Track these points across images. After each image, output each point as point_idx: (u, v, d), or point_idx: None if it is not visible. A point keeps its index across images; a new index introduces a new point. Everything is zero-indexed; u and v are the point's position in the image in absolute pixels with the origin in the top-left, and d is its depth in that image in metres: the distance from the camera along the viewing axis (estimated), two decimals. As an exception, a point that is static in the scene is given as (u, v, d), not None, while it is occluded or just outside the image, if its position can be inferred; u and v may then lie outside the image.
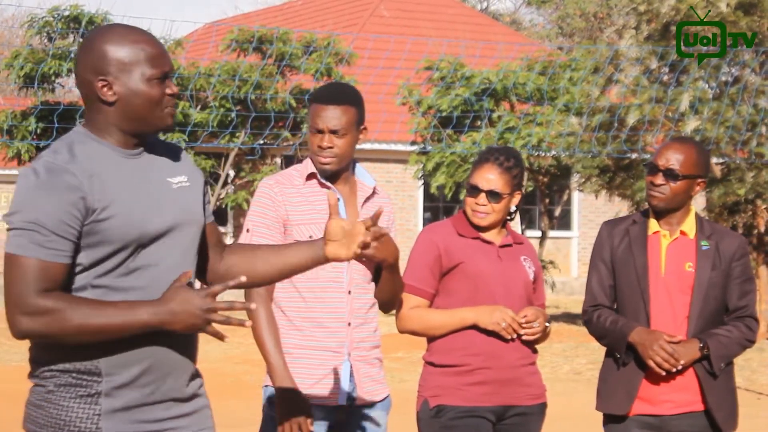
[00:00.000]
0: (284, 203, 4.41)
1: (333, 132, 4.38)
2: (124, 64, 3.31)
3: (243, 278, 3.36)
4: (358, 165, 4.54)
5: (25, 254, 3.20)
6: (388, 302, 4.58)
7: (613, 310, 4.86)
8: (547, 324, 4.77)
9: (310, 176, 4.46)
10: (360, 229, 3.46)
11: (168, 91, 3.37)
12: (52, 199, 3.21)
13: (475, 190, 4.76)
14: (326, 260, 3.49)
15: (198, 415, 3.46)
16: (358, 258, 3.48)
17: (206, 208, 3.56)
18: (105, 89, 3.32)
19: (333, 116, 4.37)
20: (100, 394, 3.28)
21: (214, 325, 3.25)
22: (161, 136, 3.62)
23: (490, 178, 4.75)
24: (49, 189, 3.22)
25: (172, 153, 3.50)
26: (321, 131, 4.37)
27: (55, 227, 3.20)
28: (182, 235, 3.39)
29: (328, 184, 4.44)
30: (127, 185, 3.31)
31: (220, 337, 3.29)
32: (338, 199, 4.43)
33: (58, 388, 3.28)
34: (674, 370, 4.66)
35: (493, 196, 4.76)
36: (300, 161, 4.61)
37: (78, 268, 3.27)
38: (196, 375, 3.47)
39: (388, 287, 4.51)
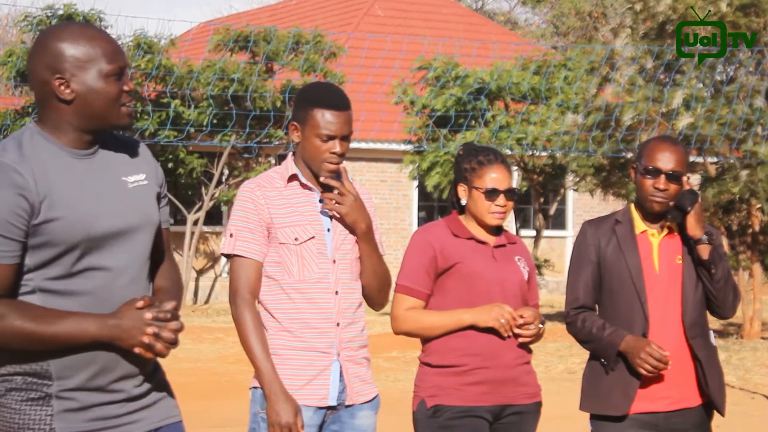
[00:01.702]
0: (267, 206, 4.40)
1: (343, 137, 4.38)
2: (80, 61, 3.29)
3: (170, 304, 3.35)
4: None
5: None
6: (373, 287, 4.53)
7: (595, 312, 4.86)
8: (540, 325, 4.77)
9: (292, 178, 4.45)
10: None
11: (125, 87, 3.34)
12: None
13: (494, 193, 4.75)
14: None
15: (157, 407, 3.44)
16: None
17: (162, 210, 3.52)
18: (62, 87, 3.29)
19: (344, 122, 4.38)
20: (51, 396, 3.27)
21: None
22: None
23: (503, 177, 4.77)
24: None
25: (131, 149, 3.45)
26: (333, 137, 4.37)
27: (0, 228, 3.18)
28: (134, 238, 3.36)
29: (310, 185, 4.43)
30: (76, 186, 3.28)
31: (161, 355, 3.29)
32: (321, 201, 4.44)
33: (9, 392, 3.28)
34: (664, 370, 4.67)
35: (511, 193, 4.78)
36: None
37: (24, 270, 3.24)
38: (153, 370, 3.44)
39: (368, 264, 4.48)
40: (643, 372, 4.66)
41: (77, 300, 3.26)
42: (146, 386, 3.41)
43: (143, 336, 3.23)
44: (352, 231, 4.44)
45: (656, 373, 4.67)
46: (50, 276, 3.25)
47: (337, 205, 4.39)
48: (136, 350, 3.26)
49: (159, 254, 3.51)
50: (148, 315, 3.24)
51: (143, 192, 3.41)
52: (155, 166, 3.50)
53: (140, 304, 3.25)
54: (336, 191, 4.39)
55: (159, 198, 3.50)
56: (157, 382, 3.46)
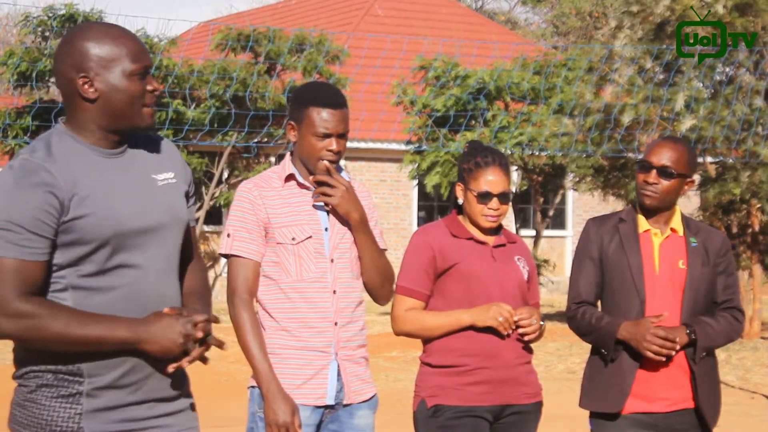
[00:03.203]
0: (264, 206, 4.41)
1: (340, 135, 4.39)
2: (104, 60, 3.32)
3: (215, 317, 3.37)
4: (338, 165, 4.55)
5: (1, 254, 3.19)
6: (375, 281, 4.52)
7: (596, 307, 4.87)
8: (541, 323, 4.78)
9: (289, 177, 4.46)
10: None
11: (149, 87, 3.37)
12: (26, 198, 3.20)
13: (487, 197, 4.75)
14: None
15: (183, 415, 3.46)
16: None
17: (190, 209, 3.55)
18: (86, 86, 3.32)
19: (340, 120, 4.39)
20: (81, 394, 3.28)
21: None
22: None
23: (498, 180, 4.77)
24: (23, 187, 3.21)
25: (160, 148, 3.48)
26: (329, 135, 4.37)
27: (30, 225, 3.19)
28: (164, 235, 3.38)
29: (308, 184, 4.45)
30: (104, 184, 3.30)
31: (191, 361, 3.32)
32: (321, 205, 4.44)
33: (40, 388, 3.29)
34: (673, 353, 4.66)
35: (505, 197, 4.77)
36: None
37: (56, 268, 3.25)
38: (181, 375, 3.46)
39: (367, 256, 4.48)
40: (651, 355, 4.65)
41: (109, 296, 3.27)
42: (175, 391, 3.42)
43: (175, 348, 3.24)
44: (346, 224, 4.45)
45: (664, 353, 4.65)
46: (82, 273, 3.26)
47: (328, 196, 4.40)
48: (171, 368, 3.29)
49: (187, 252, 3.53)
50: (187, 337, 3.24)
51: (172, 190, 3.44)
52: (183, 166, 3.53)
53: (166, 310, 3.27)
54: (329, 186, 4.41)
55: (187, 197, 3.53)
56: (185, 389, 3.49)
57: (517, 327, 4.72)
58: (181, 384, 3.46)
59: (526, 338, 4.73)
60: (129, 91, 3.33)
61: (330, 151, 4.38)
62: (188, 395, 3.50)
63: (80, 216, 3.24)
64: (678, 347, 4.66)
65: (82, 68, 3.31)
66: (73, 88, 3.33)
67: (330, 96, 4.43)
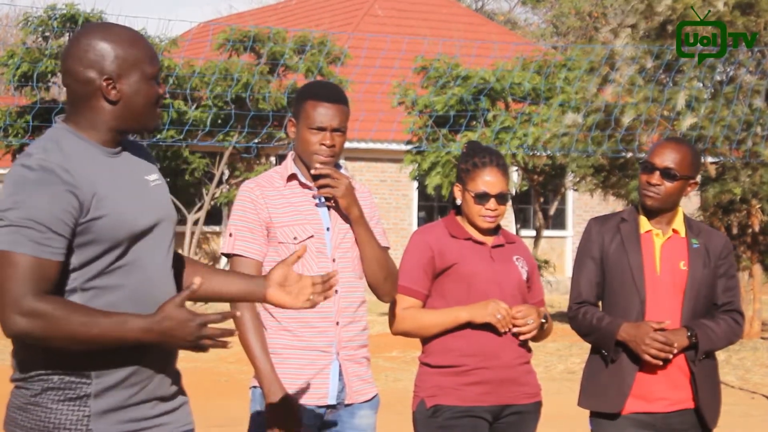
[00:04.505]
0: (266, 206, 4.42)
1: (335, 130, 4.39)
2: (127, 62, 3.32)
3: (198, 280, 3.33)
4: (338, 163, 4.56)
5: (20, 251, 3.16)
6: (378, 276, 4.50)
7: (597, 307, 4.88)
8: (543, 321, 4.78)
9: (291, 177, 4.47)
10: (308, 283, 3.48)
11: (160, 90, 3.40)
12: (48, 196, 3.18)
13: (485, 197, 4.76)
14: (265, 300, 3.52)
15: (180, 411, 3.46)
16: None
17: None
18: (109, 88, 3.31)
19: (335, 114, 4.40)
20: (89, 396, 3.26)
21: None
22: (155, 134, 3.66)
23: (496, 181, 4.77)
24: (44, 186, 3.19)
25: (142, 151, 3.51)
26: (323, 129, 4.38)
27: (51, 224, 3.17)
28: (163, 232, 3.39)
29: (310, 184, 4.45)
30: (115, 183, 3.30)
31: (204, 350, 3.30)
32: (321, 201, 4.45)
33: (45, 391, 3.26)
34: (670, 356, 4.67)
35: (503, 198, 4.77)
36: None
37: (69, 269, 3.24)
38: (177, 372, 3.47)
39: (368, 251, 4.47)
40: (649, 359, 4.66)
41: (115, 295, 3.26)
42: (174, 388, 3.43)
43: (187, 346, 3.22)
44: (347, 223, 4.45)
45: (662, 357, 4.66)
46: (92, 273, 3.25)
47: (332, 189, 4.40)
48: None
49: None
50: (198, 338, 3.22)
51: (162, 190, 3.46)
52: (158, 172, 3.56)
53: (179, 300, 3.22)
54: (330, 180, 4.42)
55: None
56: (180, 385, 3.49)
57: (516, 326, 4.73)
58: (178, 381, 3.47)
59: (521, 337, 4.73)
60: (148, 95, 3.35)
61: (324, 145, 4.39)
62: (183, 392, 3.51)
63: (98, 217, 3.23)
64: (676, 351, 4.67)
65: (104, 69, 3.31)
66: (91, 89, 3.32)
67: (327, 91, 4.45)
